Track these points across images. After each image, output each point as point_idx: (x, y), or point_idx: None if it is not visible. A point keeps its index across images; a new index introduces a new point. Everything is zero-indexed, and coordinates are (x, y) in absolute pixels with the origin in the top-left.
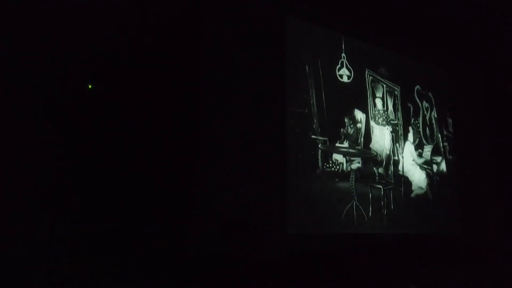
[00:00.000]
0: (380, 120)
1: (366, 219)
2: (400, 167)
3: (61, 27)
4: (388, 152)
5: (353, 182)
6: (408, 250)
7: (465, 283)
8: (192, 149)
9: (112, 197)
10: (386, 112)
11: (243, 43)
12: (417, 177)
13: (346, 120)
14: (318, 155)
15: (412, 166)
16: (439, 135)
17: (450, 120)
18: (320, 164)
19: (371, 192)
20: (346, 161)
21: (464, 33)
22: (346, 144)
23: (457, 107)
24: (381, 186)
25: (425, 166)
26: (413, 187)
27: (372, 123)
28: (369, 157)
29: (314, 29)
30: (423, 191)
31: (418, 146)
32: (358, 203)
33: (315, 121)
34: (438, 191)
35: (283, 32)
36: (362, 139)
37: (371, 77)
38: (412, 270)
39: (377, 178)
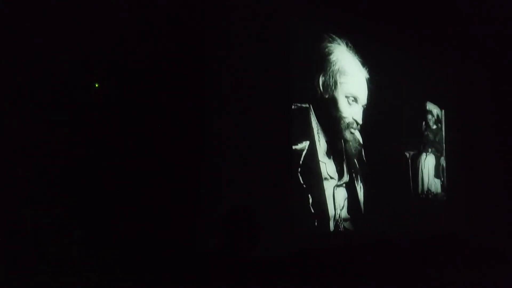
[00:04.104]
0: None
1: (371, 216)
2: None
3: (66, 27)
4: None
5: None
6: (414, 249)
7: (471, 283)
8: (197, 147)
9: (117, 196)
10: None
11: (246, 43)
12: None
13: None
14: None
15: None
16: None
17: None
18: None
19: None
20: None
21: (470, 31)
22: None
23: (463, 106)
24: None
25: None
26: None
27: None
28: None
29: (318, 29)
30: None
31: None
32: (363, 200)
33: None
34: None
35: (287, 33)
36: None
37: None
38: (418, 269)
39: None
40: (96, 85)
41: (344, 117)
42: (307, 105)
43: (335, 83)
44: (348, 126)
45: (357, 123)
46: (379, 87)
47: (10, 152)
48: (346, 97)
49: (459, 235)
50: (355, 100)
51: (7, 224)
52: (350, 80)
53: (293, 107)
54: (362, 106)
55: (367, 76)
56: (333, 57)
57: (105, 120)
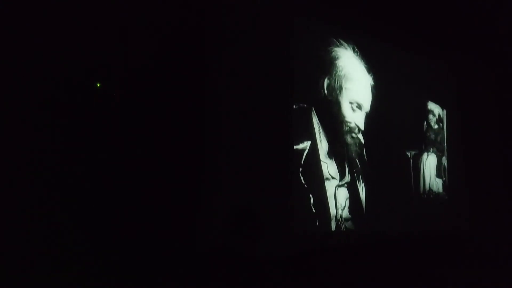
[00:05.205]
0: None
1: (372, 216)
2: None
3: (66, 27)
4: None
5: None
6: (415, 249)
7: (472, 283)
8: (197, 147)
9: (117, 196)
10: None
11: (247, 43)
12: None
13: None
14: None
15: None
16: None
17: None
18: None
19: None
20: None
21: (472, 30)
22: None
23: (465, 105)
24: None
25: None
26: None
27: None
28: None
29: (323, 30)
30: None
31: None
32: (364, 200)
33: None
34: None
35: (292, 33)
36: None
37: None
38: (419, 268)
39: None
40: (98, 85)
41: (347, 122)
42: (309, 106)
43: (340, 87)
44: (350, 130)
45: (359, 129)
46: (382, 88)
47: (11, 152)
48: (350, 103)
49: (460, 235)
50: (359, 107)
51: (7, 224)
52: (356, 87)
53: (294, 106)
54: (366, 112)
55: (372, 83)
56: (340, 62)
57: (105, 120)
